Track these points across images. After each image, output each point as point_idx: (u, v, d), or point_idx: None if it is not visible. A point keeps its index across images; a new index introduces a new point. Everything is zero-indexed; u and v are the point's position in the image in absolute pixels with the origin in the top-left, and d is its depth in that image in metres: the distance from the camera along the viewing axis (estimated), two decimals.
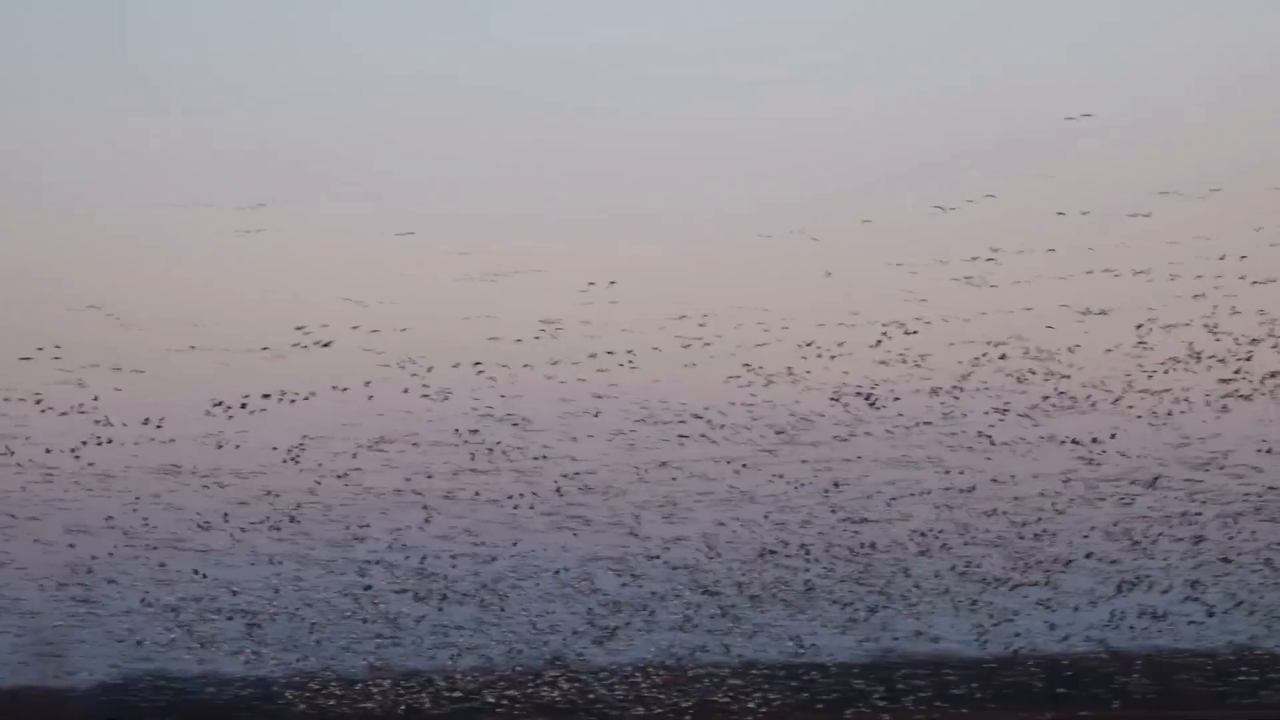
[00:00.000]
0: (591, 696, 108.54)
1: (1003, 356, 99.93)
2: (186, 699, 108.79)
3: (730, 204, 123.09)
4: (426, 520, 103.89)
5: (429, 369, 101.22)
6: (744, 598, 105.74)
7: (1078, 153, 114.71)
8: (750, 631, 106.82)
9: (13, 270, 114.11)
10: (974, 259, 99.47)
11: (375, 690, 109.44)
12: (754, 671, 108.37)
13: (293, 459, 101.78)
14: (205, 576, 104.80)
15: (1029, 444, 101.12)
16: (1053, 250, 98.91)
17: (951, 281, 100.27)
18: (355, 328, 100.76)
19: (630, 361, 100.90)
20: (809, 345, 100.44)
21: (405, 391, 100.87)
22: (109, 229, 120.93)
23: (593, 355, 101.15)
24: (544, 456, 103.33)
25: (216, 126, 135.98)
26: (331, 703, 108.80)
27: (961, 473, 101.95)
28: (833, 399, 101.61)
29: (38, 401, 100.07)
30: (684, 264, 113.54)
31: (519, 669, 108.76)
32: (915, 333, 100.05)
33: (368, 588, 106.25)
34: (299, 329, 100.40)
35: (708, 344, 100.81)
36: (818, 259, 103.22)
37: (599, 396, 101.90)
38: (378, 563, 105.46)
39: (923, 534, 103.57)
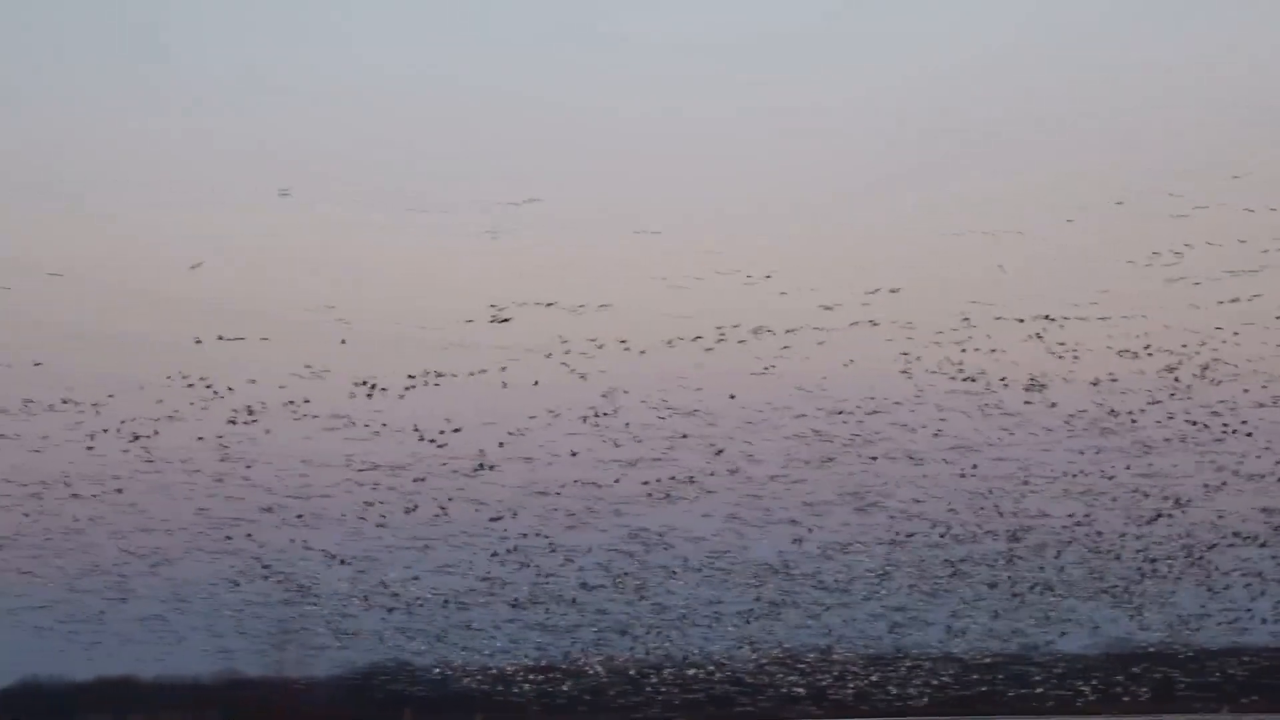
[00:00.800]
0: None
1: (1146, 348, 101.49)
2: (426, 690, 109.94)
3: (935, 198, 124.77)
4: (594, 511, 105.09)
5: (638, 350, 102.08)
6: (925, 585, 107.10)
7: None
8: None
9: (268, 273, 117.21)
10: (1155, 254, 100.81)
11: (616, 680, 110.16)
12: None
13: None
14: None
15: (1182, 438, 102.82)
16: (1243, 241, 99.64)
17: (1134, 277, 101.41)
18: (550, 304, 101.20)
19: (812, 351, 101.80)
20: (967, 322, 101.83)
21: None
22: (352, 228, 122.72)
23: (784, 349, 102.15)
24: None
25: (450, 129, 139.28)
26: (561, 690, 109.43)
27: (1098, 452, 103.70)
28: (980, 388, 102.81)
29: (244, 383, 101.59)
30: (846, 259, 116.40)
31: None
32: (1053, 320, 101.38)
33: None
34: (492, 306, 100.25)
35: (890, 341, 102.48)
36: (995, 256, 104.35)
37: (799, 398, 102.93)
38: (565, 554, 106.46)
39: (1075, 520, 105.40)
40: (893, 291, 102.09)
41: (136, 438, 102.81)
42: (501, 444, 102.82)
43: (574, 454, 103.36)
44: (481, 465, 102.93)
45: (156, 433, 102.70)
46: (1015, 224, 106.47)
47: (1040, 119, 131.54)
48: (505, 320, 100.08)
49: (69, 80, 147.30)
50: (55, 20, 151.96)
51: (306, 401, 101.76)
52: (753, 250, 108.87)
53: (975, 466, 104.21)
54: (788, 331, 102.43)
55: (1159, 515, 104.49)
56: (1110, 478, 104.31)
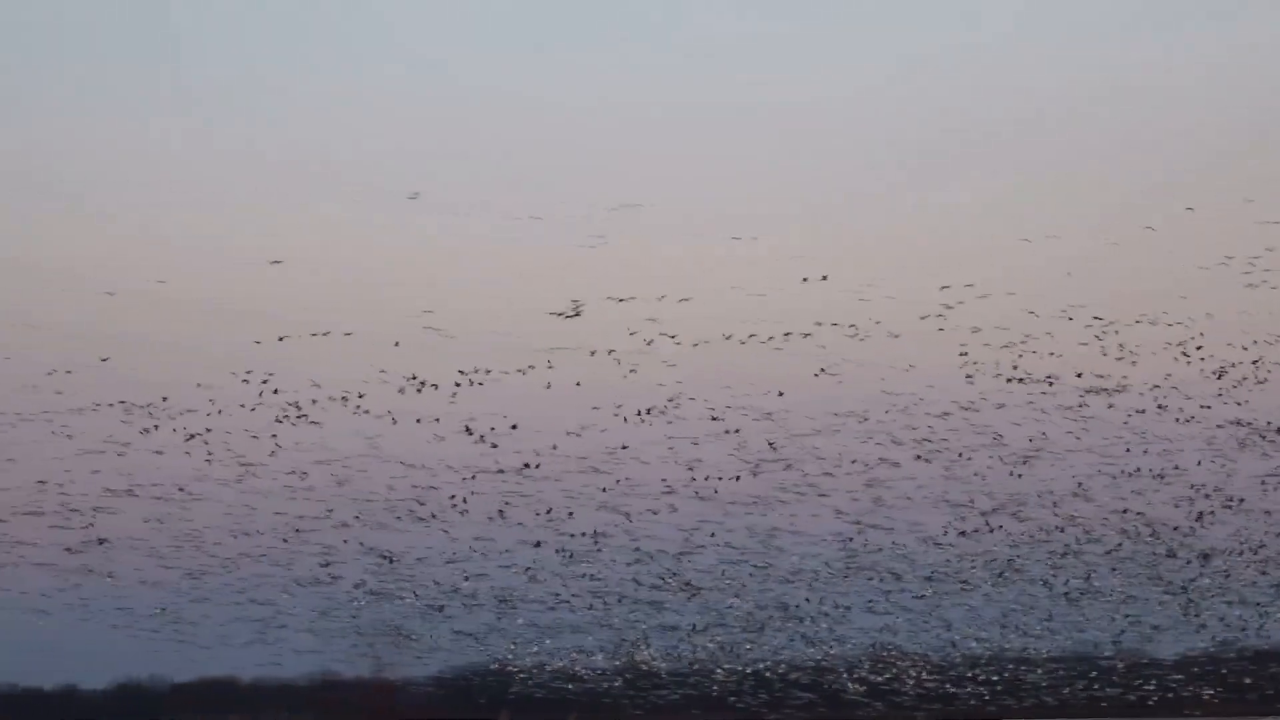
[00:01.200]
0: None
1: (1199, 349, 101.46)
2: (522, 690, 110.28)
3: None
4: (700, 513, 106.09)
5: (691, 346, 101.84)
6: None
7: None
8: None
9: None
10: (1229, 259, 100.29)
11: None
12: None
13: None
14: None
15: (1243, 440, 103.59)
16: None
17: (1193, 281, 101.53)
18: (626, 299, 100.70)
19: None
20: (1031, 320, 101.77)
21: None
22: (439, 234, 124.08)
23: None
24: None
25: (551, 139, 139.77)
26: (655, 690, 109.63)
27: (1144, 452, 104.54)
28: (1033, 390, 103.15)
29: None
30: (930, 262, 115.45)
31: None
32: (1100, 318, 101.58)
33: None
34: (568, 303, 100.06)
35: (962, 346, 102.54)
36: (1058, 259, 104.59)
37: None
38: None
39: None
40: (965, 288, 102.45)
41: (191, 435, 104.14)
42: (554, 445, 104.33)
43: (625, 446, 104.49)
44: (588, 465, 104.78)
45: (208, 430, 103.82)
46: (1082, 227, 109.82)
47: (1105, 121, 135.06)
48: (576, 314, 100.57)
49: (68, 81, 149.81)
50: (56, 21, 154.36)
51: (361, 397, 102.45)
52: (817, 251, 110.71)
53: (1026, 464, 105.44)
54: (850, 326, 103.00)
55: (1207, 513, 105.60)
56: (1165, 477, 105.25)
